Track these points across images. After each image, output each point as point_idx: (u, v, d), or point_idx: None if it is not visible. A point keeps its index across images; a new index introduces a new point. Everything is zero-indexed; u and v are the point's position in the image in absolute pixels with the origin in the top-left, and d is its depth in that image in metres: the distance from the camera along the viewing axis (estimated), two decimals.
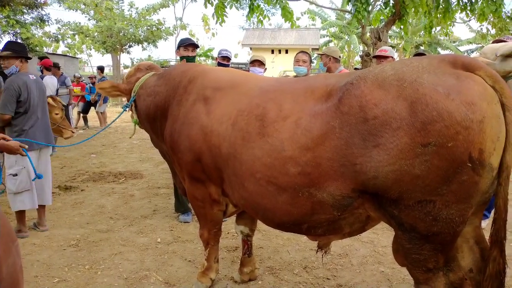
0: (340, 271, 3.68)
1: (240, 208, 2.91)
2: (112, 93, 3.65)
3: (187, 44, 4.91)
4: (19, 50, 4.43)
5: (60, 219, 5.02)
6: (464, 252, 2.23)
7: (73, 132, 5.58)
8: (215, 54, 28.57)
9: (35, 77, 4.59)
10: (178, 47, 5.00)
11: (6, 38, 18.48)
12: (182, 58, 4.91)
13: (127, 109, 3.56)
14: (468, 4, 9.38)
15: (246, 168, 2.42)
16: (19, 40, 16.76)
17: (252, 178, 2.40)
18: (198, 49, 5.13)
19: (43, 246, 4.21)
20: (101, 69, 15.10)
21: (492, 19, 10.44)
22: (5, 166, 4.33)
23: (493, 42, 4.51)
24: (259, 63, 5.60)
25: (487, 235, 2.18)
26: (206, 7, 9.58)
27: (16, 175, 4.30)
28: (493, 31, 12.74)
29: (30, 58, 4.64)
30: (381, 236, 4.46)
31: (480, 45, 29.76)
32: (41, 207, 4.62)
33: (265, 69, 5.73)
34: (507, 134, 1.85)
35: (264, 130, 2.35)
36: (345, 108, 2.05)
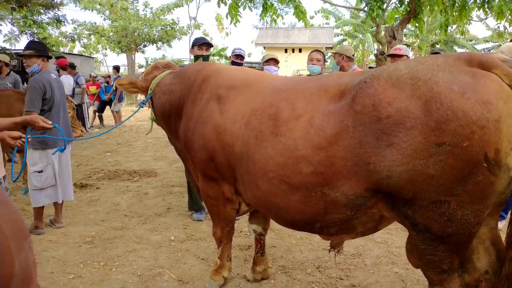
0: (354, 271, 3.66)
1: (253, 207, 2.91)
2: (130, 90, 3.71)
3: (201, 43, 4.93)
4: (41, 49, 4.52)
5: (75, 216, 5.09)
6: (480, 253, 2.19)
7: (82, 132, 5.66)
8: (228, 53, 28.60)
9: (56, 76, 4.69)
10: (192, 46, 5.04)
11: (24, 38, 18.81)
12: (196, 57, 4.94)
13: (143, 106, 3.62)
14: (485, 1, 9.23)
15: (259, 167, 2.43)
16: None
17: (265, 177, 2.40)
18: (212, 48, 5.16)
19: (59, 243, 4.28)
20: (116, 68, 15.27)
21: (510, 17, 10.24)
22: (27, 164, 4.40)
23: (510, 41, 4.43)
24: (274, 61, 5.62)
25: (503, 236, 2.15)
26: (219, 6, 9.60)
27: (41, 171, 4.39)
28: (510, 29, 12.52)
29: (51, 57, 4.74)
30: (395, 236, 4.42)
31: (497, 44, 29.25)
32: (59, 204, 4.71)
33: (278, 67, 5.75)
34: None
35: (277, 129, 2.35)
36: (359, 107, 2.03)
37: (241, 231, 4.54)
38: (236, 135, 2.60)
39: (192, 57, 5.20)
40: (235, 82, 2.88)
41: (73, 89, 9.27)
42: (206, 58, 4.93)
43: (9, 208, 0.62)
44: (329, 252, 2.95)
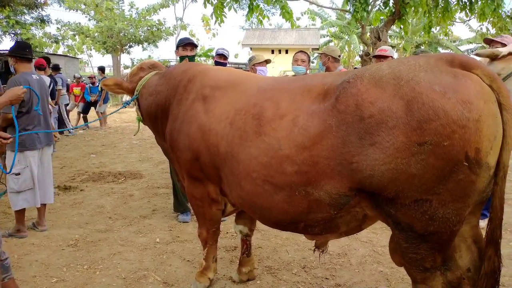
0: (339, 271, 3.67)
1: (238, 207, 2.91)
2: (116, 90, 3.72)
3: (185, 44, 4.92)
4: (15, 50, 4.46)
5: (59, 219, 5.02)
6: (462, 251, 2.22)
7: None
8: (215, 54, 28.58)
9: (38, 77, 4.62)
10: (177, 47, 5.02)
11: (7, 38, 18.51)
12: (181, 58, 4.91)
13: (127, 106, 3.61)
14: (467, 3, 9.37)
15: (243, 167, 2.42)
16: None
17: (248, 177, 2.40)
18: (197, 48, 5.14)
19: (41, 246, 4.21)
20: (102, 69, 15.11)
21: (492, 19, 10.41)
22: (5, 165, 4.33)
23: (484, 41, 4.49)
24: (266, 62, 5.76)
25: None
26: (205, 7, 9.59)
27: (18, 174, 4.31)
28: (493, 31, 12.72)
29: (29, 58, 4.63)
30: (380, 235, 4.45)
31: (480, 45, 29.73)
32: (42, 207, 4.63)
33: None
34: (504, 133, 1.84)
35: (261, 129, 2.36)
36: (342, 107, 2.04)
37: (227, 232, 4.52)
38: (221, 135, 2.60)
39: (178, 58, 5.18)
40: (220, 82, 2.87)
41: (51, 90, 9.16)
42: (191, 58, 4.91)
43: None
44: (314, 252, 2.96)
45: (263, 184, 2.34)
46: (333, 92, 2.15)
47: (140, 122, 3.71)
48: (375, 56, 5.50)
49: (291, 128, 2.23)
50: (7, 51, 4.54)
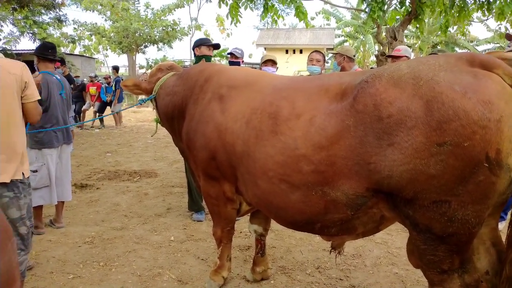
0: (353, 272, 3.65)
1: (254, 206, 2.91)
2: (135, 91, 3.78)
3: (210, 45, 4.94)
4: (38, 50, 4.57)
5: (75, 217, 5.08)
6: (481, 254, 2.19)
7: None
8: None
9: (58, 77, 4.70)
10: (199, 45, 5.04)
11: (25, 38, 18.83)
12: (198, 57, 4.93)
13: (142, 103, 3.67)
14: (485, 3, 9.22)
15: (259, 166, 2.42)
16: (37, 41, 17.06)
17: (265, 176, 2.40)
18: (216, 48, 5.12)
19: (58, 243, 4.27)
20: (116, 68, 15.27)
21: (511, 18, 10.22)
22: None
23: (506, 37, 4.40)
24: (272, 62, 5.63)
25: (504, 238, 2.14)
26: (220, 7, 9.61)
27: (36, 171, 4.37)
28: None
29: (50, 59, 4.70)
30: (395, 237, 4.41)
31: (498, 45, 29.24)
32: (60, 204, 4.70)
33: (277, 68, 5.75)
34: None
35: (277, 128, 2.35)
36: (360, 107, 2.03)
37: (241, 232, 4.53)
38: (237, 134, 2.60)
39: (193, 57, 5.20)
40: (236, 82, 2.88)
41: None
42: (208, 58, 4.93)
43: None
44: (330, 253, 2.94)
45: (279, 183, 2.33)
46: (351, 92, 2.13)
47: (158, 123, 3.76)
48: (389, 56, 5.44)
49: (308, 127, 2.22)
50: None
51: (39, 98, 3.12)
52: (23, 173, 2.94)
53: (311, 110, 2.26)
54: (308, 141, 2.19)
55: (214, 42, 5.24)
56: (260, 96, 2.61)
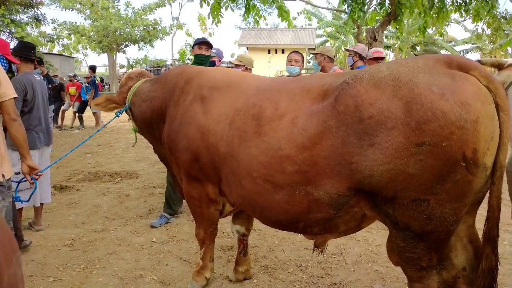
0: (335, 270, 3.69)
1: (238, 206, 2.91)
2: (109, 107, 3.66)
3: (200, 42, 4.91)
4: (16, 50, 4.45)
5: (55, 219, 5.00)
6: (458, 250, 2.25)
7: None
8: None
9: (39, 77, 4.62)
10: (193, 46, 5.03)
11: (3, 37, 18.39)
12: (196, 56, 4.88)
13: (120, 115, 3.59)
14: (462, 4, 9.42)
15: (243, 167, 2.44)
16: (14, 40, 16.70)
17: (249, 177, 2.41)
18: (212, 48, 5.03)
19: (38, 246, 4.19)
20: (92, 68, 15.03)
21: (487, 19, 10.47)
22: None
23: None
24: (244, 67, 5.53)
25: (480, 234, 2.19)
26: (201, 6, 9.57)
27: (19, 173, 4.29)
28: (488, 31, 12.80)
29: (29, 59, 4.61)
30: (375, 235, 4.47)
31: (476, 45, 29.89)
32: (39, 206, 4.62)
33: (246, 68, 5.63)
34: (501, 134, 1.86)
35: (260, 129, 2.37)
36: (341, 108, 2.06)
37: (223, 232, 4.52)
38: (220, 135, 2.60)
39: (176, 57, 5.16)
40: (217, 83, 2.88)
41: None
42: (205, 57, 4.87)
43: None
44: (313, 251, 2.97)
45: (263, 183, 2.35)
46: (333, 93, 2.16)
47: (137, 132, 3.68)
48: (370, 59, 5.49)
49: (291, 128, 2.24)
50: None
51: (16, 96, 3.04)
52: (3, 175, 2.86)
53: (294, 111, 2.28)
54: (291, 141, 2.22)
55: (194, 41, 5.15)
56: (243, 97, 2.62)
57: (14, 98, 3.05)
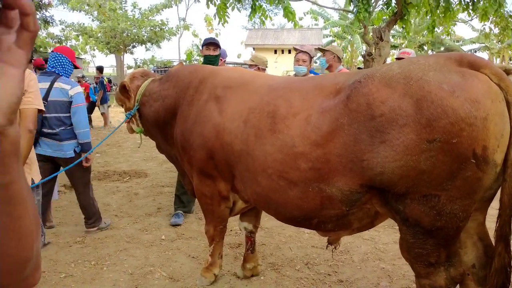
0: (341, 267, 3.71)
1: (252, 203, 2.93)
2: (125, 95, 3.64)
3: (208, 43, 4.94)
4: None
5: (66, 217, 5.06)
6: (468, 247, 2.26)
7: None
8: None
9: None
10: (202, 46, 5.07)
11: None
12: (205, 57, 4.91)
13: (130, 116, 3.58)
14: (469, 3, 9.37)
15: (258, 164, 2.47)
16: None
17: (264, 174, 2.44)
18: (220, 48, 5.04)
19: (50, 243, 4.25)
20: (100, 69, 15.12)
21: (494, 18, 10.41)
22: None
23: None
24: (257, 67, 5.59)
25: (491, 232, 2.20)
26: (208, 7, 9.61)
27: None
28: (496, 30, 12.73)
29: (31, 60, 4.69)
30: (382, 233, 4.49)
31: (483, 44, 29.73)
32: (48, 204, 4.67)
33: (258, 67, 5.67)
34: (511, 132, 1.87)
35: (275, 126, 2.40)
36: (353, 106, 2.08)
37: (231, 230, 4.55)
38: (235, 133, 2.64)
39: (200, 57, 5.19)
40: (231, 82, 2.91)
41: None
42: (214, 58, 4.89)
43: (30, 194, 0.64)
44: (326, 248, 3.00)
45: (278, 180, 2.38)
46: (345, 91, 2.18)
47: (141, 133, 3.68)
48: (397, 59, 5.51)
49: (305, 126, 2.26)
50: None
51: (41, 108, 3.05)
52: (32, 180, 3.03)
53: (307, 109, 2.30)
54: (305, 139, 2.24)
55: (200, 42, 5.20)
56: (257, 96, 2.65)
57: (39, 111, 3.01)
